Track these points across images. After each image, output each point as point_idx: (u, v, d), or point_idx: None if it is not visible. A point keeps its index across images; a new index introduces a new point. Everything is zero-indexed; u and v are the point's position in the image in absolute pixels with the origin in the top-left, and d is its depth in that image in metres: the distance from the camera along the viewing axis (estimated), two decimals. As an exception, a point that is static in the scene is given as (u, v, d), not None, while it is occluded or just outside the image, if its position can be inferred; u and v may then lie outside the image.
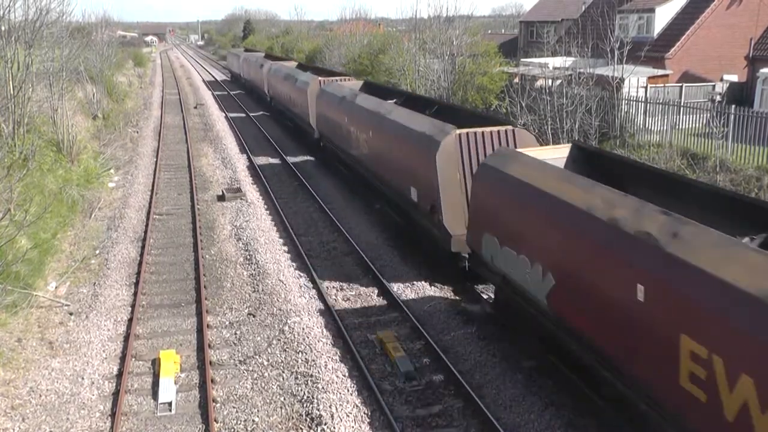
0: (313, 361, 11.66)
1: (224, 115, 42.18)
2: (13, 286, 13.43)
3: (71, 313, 13.92)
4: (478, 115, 18.58)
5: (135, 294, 14.78)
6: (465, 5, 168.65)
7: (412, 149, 15.55)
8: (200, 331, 13.00)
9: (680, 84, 27.64)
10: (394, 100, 21.29)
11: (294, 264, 16.41)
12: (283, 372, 11.48)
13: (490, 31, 64.37)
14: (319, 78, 29.44)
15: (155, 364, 11.80)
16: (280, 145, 31.63)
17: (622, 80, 25.30)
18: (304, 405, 10.47)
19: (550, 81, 26.62)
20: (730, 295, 6.67)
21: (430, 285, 14.88)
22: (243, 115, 42.63)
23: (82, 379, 11.42)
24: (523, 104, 24.46)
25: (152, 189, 23.40)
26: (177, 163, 28.13)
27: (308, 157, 29.30)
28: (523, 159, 11.45)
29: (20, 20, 22.41)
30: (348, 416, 10.11)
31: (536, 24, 48.16)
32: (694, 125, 22.60)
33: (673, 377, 7.32)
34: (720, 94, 27.50)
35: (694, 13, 32.82)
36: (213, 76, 75.69)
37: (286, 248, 17.55)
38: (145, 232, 18.88)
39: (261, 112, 43.48)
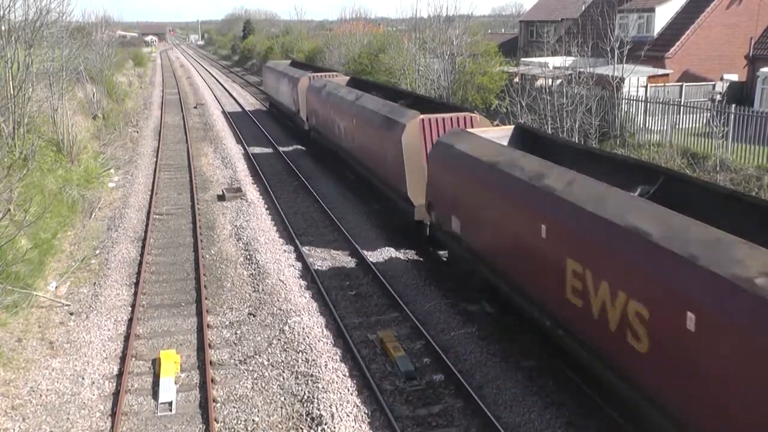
0: (314, 360, 11.66)
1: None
2: (13, 286, 13.43)
3: (71, 313, 13.92)
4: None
5: (135, 294, 14.78)
6: (465, 5, 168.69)
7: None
8: (200, 331, 13.00)
9: (680, 83, 27.64)
10: None
11: (294, 264, 16.41)
12: (284, 372, 11.48)
13: (490, 31, 64.32)
14: None
15: (155, 363, 11.80)
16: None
17: (622, 80, 25.28)
18: (305, 405, 10.47)
19: (550, 80, 26.61)
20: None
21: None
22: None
23: (83, 379, 11.42)
24: (524, 104, 24.46)
25: (152, 189, 23.40)
26: (177, 163, 28.13)
27: None
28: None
29: (20, 20, 22.42)
30: (348, 416, 10.11)
31: (536, 23, 48.16)
32: (694, 125, 22.60)
33: None
34: (720, 93, 27.48)
35: (694, 12, 32.81)
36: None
37: (286, 248, 17.55)
38: (145, 231, 18.89)
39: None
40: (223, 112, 43.59)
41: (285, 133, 35.33)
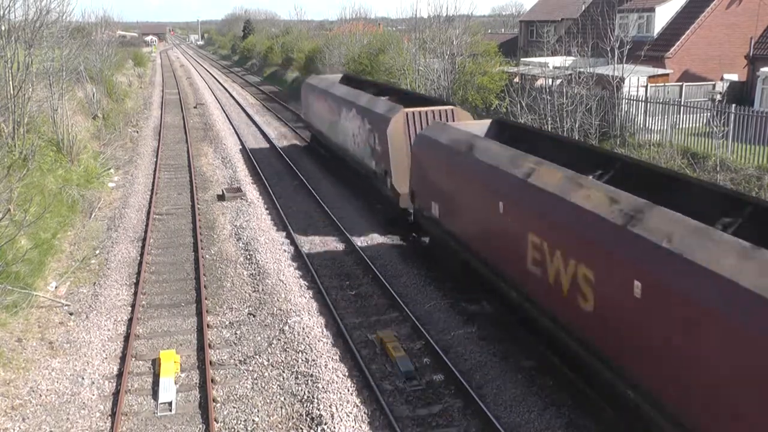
0: (314, 360, 11.66)
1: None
2: (13, 286, 13.43)
3: (71, 313, 13.92)
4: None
5: (135, 294, 14.78)
6: (465, 5, 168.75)
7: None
8: (200, 331, 13.00)
9: (680, 83, 27.63)
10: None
11: (294, 263, 16.40)
12: (284, 372, 11.48)
13: (490, 31, 64.34)
14: None
15: (155, 364, 11.80)
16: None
17: (622, 80, 25.28)
18: (305, 405, 10.47)
19: (550, 80, 26.61)
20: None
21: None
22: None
23: (83, 379, 11.42)
24: (524, 104, 24.47)
25: (152, 189, 23.40)
26: (177, 163, 28.13)
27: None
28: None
29: (20, 20, 22.42)
30: (348, 416, 10.11)
31: (536, 23, 48.15)
32: (694, 125, 22.60)
33: None
34: (720, 93, 27.48)
35: (694, 12, 32.82)
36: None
37: (285, 248, 17.54)
38: (145, 231, 18.88)
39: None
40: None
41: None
